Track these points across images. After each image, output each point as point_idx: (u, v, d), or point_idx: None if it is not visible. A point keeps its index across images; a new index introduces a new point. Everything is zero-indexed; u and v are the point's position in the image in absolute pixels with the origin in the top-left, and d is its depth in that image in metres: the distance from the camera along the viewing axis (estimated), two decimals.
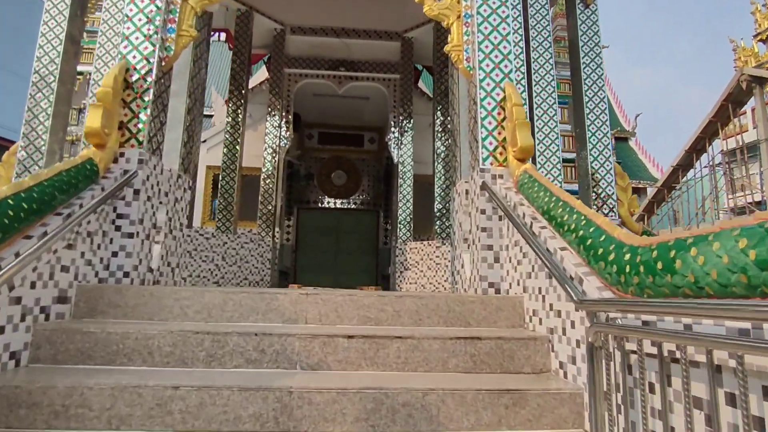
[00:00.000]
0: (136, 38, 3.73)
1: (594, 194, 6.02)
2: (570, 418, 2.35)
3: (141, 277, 3.64)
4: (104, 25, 5.80)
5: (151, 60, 3.71)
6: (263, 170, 9.68)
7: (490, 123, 3.86)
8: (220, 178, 9.11)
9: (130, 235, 3.49)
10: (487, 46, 3.99)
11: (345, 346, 2.70)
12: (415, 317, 3.13)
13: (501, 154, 3.82)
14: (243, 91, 9.43)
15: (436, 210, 9.25)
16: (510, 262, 3.50)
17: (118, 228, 3.47)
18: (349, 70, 10.53)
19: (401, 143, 10.00)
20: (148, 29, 3.75)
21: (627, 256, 2.04)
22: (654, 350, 1.76)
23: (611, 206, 5.98)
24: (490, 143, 3.83)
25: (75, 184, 2.93)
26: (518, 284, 3.33)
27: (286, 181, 11.86)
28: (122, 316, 3.03)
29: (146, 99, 3.66)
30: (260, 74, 13.07)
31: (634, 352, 1.91)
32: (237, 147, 9.17)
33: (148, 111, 3.65)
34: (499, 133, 3.85)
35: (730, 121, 18.19)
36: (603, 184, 6.03)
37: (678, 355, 1.68)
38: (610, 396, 1.99)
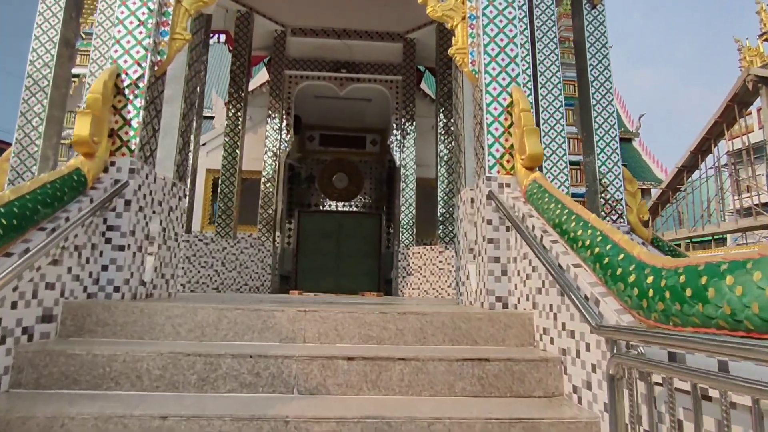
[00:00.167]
0: (128, 42, 3.57)
1: (602, 200, 5.85)
2: None
3: (133, 290, 3.49)
4: (99, 28, 5.66)
5: (143, 64, 3.56)
6: (263, 173, 9.54)
7: (496, 129, 3.70)
8: (220, 182, 8.97)
9: (121, 248, 3.34)
10: (493, 49, 3.84)
11: (345, 368, 2.55)
12: (419, 335, 2.97)
13: (508, 161, 3.66)
14: (243, 94, 9.29)
15: (439, 214, 9.09)
16: (518, 275, 3.34)
17: (108, 240, 3.32)
18: (350, 72, 10.38)
19: (403, 146, 9.85)
20: (140, 32, 3.60)
21: (650, 279, 1.88)
22: (684, 385, 1.61)
23: (620, 212, 5.81)
24: (497, 150, 3.67)
25: (60, 196, 2.78)
26: (527, 299, 3.17)
27: (286, 183, 11.72)
28: (111, 334, 2.88)
29: (138, 105, 3.51)
30: (260, 76, 12.94)
31: (659, 384, 1.76)
32: (237, 150, 9.03)
33: (140, 118, 3.50)
34: (506, 140, 3.69)
35: (735, 121, 18.03)
36: (611, 189, 5.86)
37: (713, 393, 1.52)
38: (632, 430, 1.83)
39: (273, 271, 9.11)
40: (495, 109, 3.73)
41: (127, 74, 3.53)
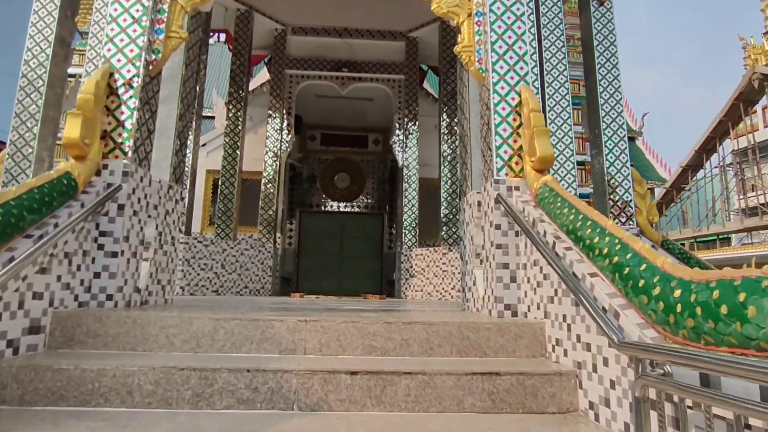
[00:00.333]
0: (121, 40, 3.44)
1: (611, 201, 5.71)
2: None
3: (127, 298, 3.35)
4: (95, 27, 5.54)
5: (137, 63, 3.42)
6: (264, 174, 9.41)
7: (504, 130, 3.56)
8: (220, 183, 8.84)
9: (114, 254, 3.20)
10: (500, 47, 3.69)
11: (348, 383, 2.42)
12: (426, 346, 2.83)
13: (517, 164, 3.52)
14: (243, 94, 9.16)
15: (442, 215, 8.95)
16: (528, 282, 3.20)
17: (101, 247, 3.19)
18: (352, 71, 10.25)
19: (406, 146, 9.71)
20: (134, 30, 3.46)
21: (677, 293, 1.74)
22: (717, 410, 1.46)
23: (629, 214, 5.66)
24: (505, 152, 3.53)
25: (49, 201, 2.65)
26: (538, 308, 3.03)
27: (288, 184, 11.58)
28: (102, 346, 2.74)
29: (132, 106, 3.38)
30: (261, 76, 12.80)
31: (690, 407, 1.62)
32: (237, 150, 8.89)
33: (134, 119, 3.36)
34: (515, 141, 3.55)
35: (741, 120, 17.85)
36: (620, 190, 5.71)
37: (754, 422, 1.38)
38: None
39: (274, 273, 8.98)
40: (503, 109, 3.59)
41: (120, 74, 3.40)
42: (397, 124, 9.96)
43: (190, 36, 4.08)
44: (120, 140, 3.33)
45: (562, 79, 5.78)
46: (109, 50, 3.42)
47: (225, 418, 2.26)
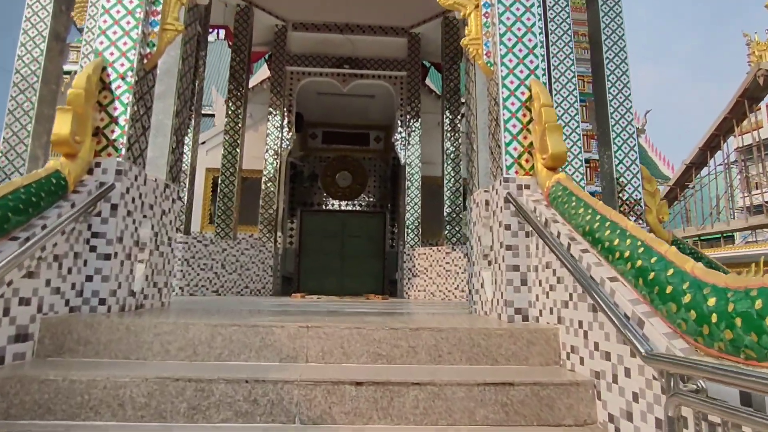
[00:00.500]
0: (114, 33, 3.29)
1: (619, 200, 5.56)
2: None
3: (121, 302, 3.22)
4: (90, 21, 5.39)
5: (131, 57, 3.28)
6: (264, 172, 9.26)
7: (514, 126, 3.41)
8: (220, 181, 8.70)
9: (107, 256, 3.06)
10: (509, 39, 3.54)
11: (353, 394, 2.28)
12: (434, 353, 2.69)
13: (527, 161, 3.37)
14: (243, 91, 9.01)
15: (445, 213, 8.81)
16: (540, 285, 3.06)
17: (93, 248, 3.05)
18: (353, 68, 10.10)
19: (408, 143, 9.55)
20: (128, 22, 3.31)
21: (711, 301, 1.60)
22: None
23: (638, 213, 5.52)
24: (515, 149, 3.38)
25: (36, 202, 2.51)
26: (551, 312, 2.89)
27: (288, 182, 11.43)
28: (94, 354, 2.61)
29: (126, 101, 3.23)
30: (261, 73, 12.66)
31: (724, 426, 1.47)
32: (237, 149, 8.75)
33: (128, 115, 3.22)
34: (525, 138, 3.40)
35: (745, 117, 17.66)
36: (629, 188, 5.57)
37: None
38: None
39: (275, 273, 8.84)
40: (512, 104, 3.44)
41: (113, 67, 3.25)
42: (399, 122, 9.81)
43: (186, 29, 3.93)
44: (113, 137, 3.19)
45: (569, 74, 5.64)
46: (101, 43, 3.28)
47: None
